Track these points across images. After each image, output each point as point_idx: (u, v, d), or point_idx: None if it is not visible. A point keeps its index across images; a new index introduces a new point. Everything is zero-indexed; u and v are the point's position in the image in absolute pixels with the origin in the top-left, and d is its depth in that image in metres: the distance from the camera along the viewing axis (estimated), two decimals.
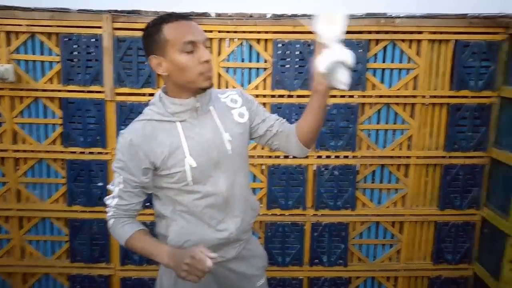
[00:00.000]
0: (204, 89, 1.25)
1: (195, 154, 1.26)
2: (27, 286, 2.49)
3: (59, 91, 2.27)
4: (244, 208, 1.39)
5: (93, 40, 2.22)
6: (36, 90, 2.27)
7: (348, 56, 1.17)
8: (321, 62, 1.20)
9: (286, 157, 2.35)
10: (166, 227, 1.36)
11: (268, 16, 2.23)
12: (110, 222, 1.30)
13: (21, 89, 2.27)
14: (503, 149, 2.27)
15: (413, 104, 2.35)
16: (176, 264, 1.15)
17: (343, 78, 1.19)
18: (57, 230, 2.44)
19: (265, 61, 2.29)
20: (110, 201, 1.30)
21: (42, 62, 2.27)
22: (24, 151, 2.33)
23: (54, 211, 2.39)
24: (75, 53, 2.24)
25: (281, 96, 2.31)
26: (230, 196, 1.35)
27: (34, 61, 2.27)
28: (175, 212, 1.34)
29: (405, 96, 2.33)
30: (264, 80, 2.32)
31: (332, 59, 1.18)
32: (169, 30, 1.20)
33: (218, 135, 1.30)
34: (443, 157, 2.39)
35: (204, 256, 1.10)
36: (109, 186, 1.30)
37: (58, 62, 2.25)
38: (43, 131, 2.33)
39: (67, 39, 2.21)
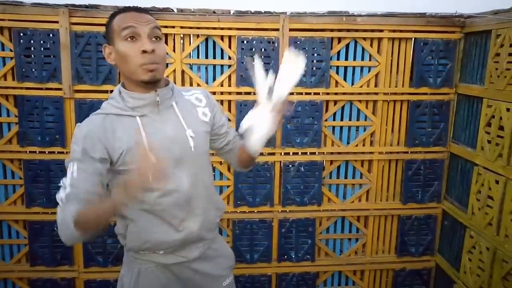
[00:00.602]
0: (146, 83, 1.19)
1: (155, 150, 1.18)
2: None
3: (14, 88, 2.17)
4: (207, 207, 1.36)
5: (49, 35, 2.13)
6: None
7: (263, 122, 1.23)
8: (245, 119, 1.26)
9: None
10: (125, 227, 1.31)
11: (232, 12, 2.22)
12: (58, 216, 1.14)
13: None
14: (461, 144, 2.36)
15: (374, 101, 2.40)
16: (125, 190, 1.02)
17: (253, 142, 1.27)
18: (16, 233, 2.33)
19: (229, 58, 2.28)
20: (60, 194, 1.15)
21: None
22: None
23: (12, 213, 2.29)
24: (32, 48, 2.14)
25: (246, 93, 2.30)
26: (193, 194, 1.31)
27: None
28: (134, 211, 1.27)
29: (367, 93, 2.38)
30: (229, 77, 2.30)
31: (250, 122, 1.24)
32: (116, 19, 1.20)
33: (180, 131, 1.27)
34: (405, 152, 2.45)
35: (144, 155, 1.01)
36: (61, 182, 1.18)
37: (11, 58, 2.15)
38: None
39: (21, 34, 2.12)
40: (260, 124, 1.24)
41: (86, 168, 1.16)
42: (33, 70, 2.16)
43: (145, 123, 1.23)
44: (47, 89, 2.19)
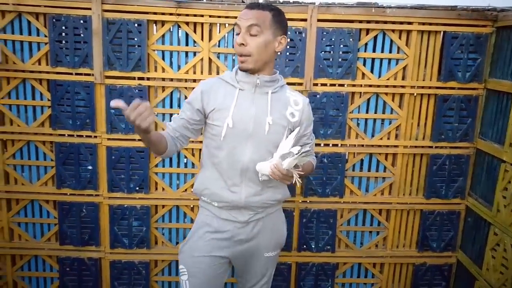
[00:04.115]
0: (242, 70, 1.50)
1: (236, 118, 1.49)
2: (17, 267, 2.47)
3: (48, 72, 2.24)
4: (261, 186, 1.57)
5: (82, 21, 2.19)
6: (24, 71, 2.23)
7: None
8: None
9: None
10: (200, 172, 1.65)
11: (260, 1, 2.23)
12: None
13: (8, 70, 2.23)
14: (488, 140, 2.32)
15: (401, 94, 2.38)
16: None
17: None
18: (46, 213, 2.42)
19: None
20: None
21: (30, 42, 2.23)
22: (12, 132, 2.29)
23: (43, 193, 2.37)
24: (64, 34, 2.20)
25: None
26: (250, 169, 1.52)
27: (21, 41, 2.22)
28: (208, 162, 1.59)
29: (394, 86, 2.36)
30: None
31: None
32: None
33: (262, 115, 1.51)
34: (430, 147, 2.43)
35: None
36: None
37: (46, 43, 2.21)
38: (31, 113, 2.30)
39: (55, 20, 2.18)
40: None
41: (186, 114, 1.56)
42: (66, 55, 2.22)
43: (240, 96, 1.52)
44: (78, 74, 2.25)
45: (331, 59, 2.29)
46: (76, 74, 2.25)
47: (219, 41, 2.28)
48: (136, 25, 2.18)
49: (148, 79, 2.26)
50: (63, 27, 2.19)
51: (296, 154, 1.37)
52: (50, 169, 2.36)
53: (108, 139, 2.31)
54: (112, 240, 2.42)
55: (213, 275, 1.64)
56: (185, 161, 2.43)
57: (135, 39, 2.21)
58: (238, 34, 1.47)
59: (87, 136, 2.30)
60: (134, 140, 2.32)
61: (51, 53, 2.22)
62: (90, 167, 2.33)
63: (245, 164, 1.52)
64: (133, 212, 2.39)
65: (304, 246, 2.49)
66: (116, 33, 2.20)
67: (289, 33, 2.24)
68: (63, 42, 2.22)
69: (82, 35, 2.20)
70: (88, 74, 2.24)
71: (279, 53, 1.69)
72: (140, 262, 2.45)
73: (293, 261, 2.51)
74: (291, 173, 1.43)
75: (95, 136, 2.30)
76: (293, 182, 1.44)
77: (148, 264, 2.47)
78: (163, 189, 2.43)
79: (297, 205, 2.44)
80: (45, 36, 2.21)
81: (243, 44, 1.45)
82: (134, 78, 2.25)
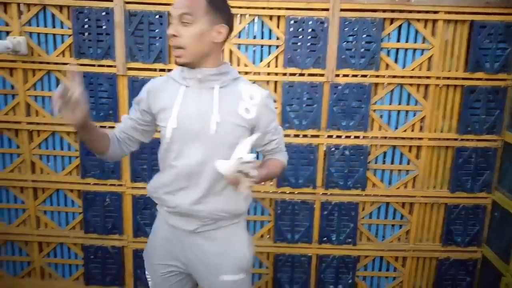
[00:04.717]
0: (179, 65, 1.35)
1: (180, 118, 1.35)
2: (43, 254, 2.55)
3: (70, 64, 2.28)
4: (212, 192, 1.40)
5: (104, 13, 2.21)
6: (49, 63, 2.28)
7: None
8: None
9: (296, 135, 2.35)
10: (154, 175, 1.53)
11: None
12: None
13: (34, 62, 2.28)
14: None
15: (426, 85, 2.32)
16: None
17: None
18: (71, 202, 2.48)
19: (277, 38, 2.27)
20: None
21: (54, 35, 2.27)
22: (38, 123, 2.35)
23: (68, 183, 2.43)
24: (86, 26, 2.23)
25: (292, 74, 2.29)
26: (198, 173, 1.38)
27: (46, 34, 2.27)
28: (160, 164, 1.48)
29: (419, 77, 2.30)
30: (276, 58, 2.30)
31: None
32: None
33: (207, 112, 1.34)
34: (456, 139, 2.37)
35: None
36: None
37: (70, 35, 2.25)
38: None
39: (78, 12, 2.21)
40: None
41: (134, 112, 1.46)
42: (89, 47, 2.25)
43: (185, 93, 1.37)
44: (101, 66, 2.28)
45: (353, 50, 2.25)
46: (99, 65, 2.28)
47: (239, 32, 2.27)
48: (157, 16, 2.19)
49: (169, 70, 2.27)
50: (86, 19, 2.22)
51: (245, 162, 1.19)
52: (75, 159, 2.41)
53: None
54: (135, 229, 2.46)
55: (173, 285, 1.53)
56: None
57: (156, 30, 2.22)
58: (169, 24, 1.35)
59: (110, 127, 2.34)
60: None
61: (74, 45, 2.25)
62: None
63: (191, 167, 1.37)
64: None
65: (325, 239, 2.48)
66: (138, 25, 2.21)
67: (310, 23, 2.21)
68: (86, 34, 2.24)
69: (104, 27, 2.23)
70: (111, 66, 2.27)
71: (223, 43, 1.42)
72: None
73: (314, 253, 2.50)
74: (241, 179, 1.23)
75: None
76: (243, 190, 1.24)
77: None
78: None
79: (318, 198, 2.42)
80: (69, 28, 2.24)
81: (175, 36, 1.29)
82: (155, 70, 2.27)
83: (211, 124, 1.34)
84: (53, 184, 2.42)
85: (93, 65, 2.28)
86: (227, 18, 1.35)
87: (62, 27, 2.26)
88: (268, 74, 2.29)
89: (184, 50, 1.30)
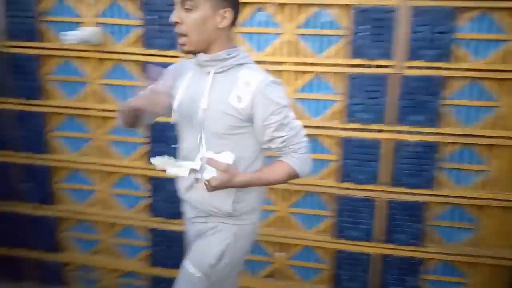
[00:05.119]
0: (184, 53, 1.36)
1: (180, 101, 1.39)
2: (112, 233, 2.69)
3: (139, 54, 2.39)
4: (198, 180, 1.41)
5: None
6: (121, 53, 2.42)
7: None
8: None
9: (361, 129, 2.28)
10: None
11: None
12: None
13: (105, 52, 2.42)
14: None
15: (505, 80, 2.16)
16: None
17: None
18: (138, 186, 2.60)
19: (343, 28, 2.23)
20: None
21: (124, 26, 2.41)
22: (110, 110, 2.47)
23: (136, 168, 2.54)
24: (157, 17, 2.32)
25: (357, 65, 2.23)
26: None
27: (117, 24, 2.41)
28: None
29: (497, 71, 2.15)
30: (341, 48, 2.26)
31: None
32: None
33: (198, 99, 1.34)
34: None
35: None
36: None
37: (139, 26, 2.37)
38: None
39: (147, 4, 2.31)
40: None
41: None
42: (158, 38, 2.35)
43: (191, 78, 1.41)
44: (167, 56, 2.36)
45: (425, 40, 2.15)
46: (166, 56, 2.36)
47: (305, 22, 2.25)
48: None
49: None
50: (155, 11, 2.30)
51: (194, 169, 1.34)
52: (142, 145, 2.52)
53: None
54: None
55: None
56: None
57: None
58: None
59: None
60: None
61: (145, 36, 2.36)
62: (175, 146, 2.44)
63: (186, 151, 1.42)
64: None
65: (388, 238, 2.38)
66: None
67: (378, 12, 2.15)
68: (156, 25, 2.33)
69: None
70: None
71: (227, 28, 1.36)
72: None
73: (375, 252, 2.40)
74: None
75: None
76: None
77: None
78: None
79: (382, 195, 2.32)
80: (141, 19, 2.35)
81: (177, 22, 1.27)
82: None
83: (199, 111, 1.32)
84: (122, 169, 2.55)
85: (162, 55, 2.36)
86: (232, 1, 1.30)
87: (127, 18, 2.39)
88: (334, 65, 2.26)
89: (187, 38, 1.28)
